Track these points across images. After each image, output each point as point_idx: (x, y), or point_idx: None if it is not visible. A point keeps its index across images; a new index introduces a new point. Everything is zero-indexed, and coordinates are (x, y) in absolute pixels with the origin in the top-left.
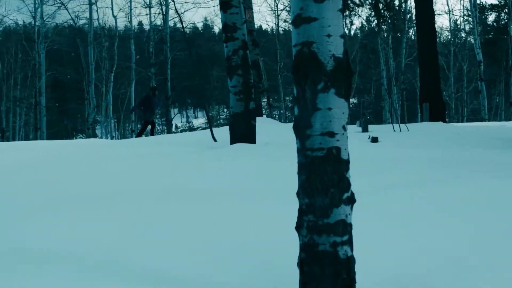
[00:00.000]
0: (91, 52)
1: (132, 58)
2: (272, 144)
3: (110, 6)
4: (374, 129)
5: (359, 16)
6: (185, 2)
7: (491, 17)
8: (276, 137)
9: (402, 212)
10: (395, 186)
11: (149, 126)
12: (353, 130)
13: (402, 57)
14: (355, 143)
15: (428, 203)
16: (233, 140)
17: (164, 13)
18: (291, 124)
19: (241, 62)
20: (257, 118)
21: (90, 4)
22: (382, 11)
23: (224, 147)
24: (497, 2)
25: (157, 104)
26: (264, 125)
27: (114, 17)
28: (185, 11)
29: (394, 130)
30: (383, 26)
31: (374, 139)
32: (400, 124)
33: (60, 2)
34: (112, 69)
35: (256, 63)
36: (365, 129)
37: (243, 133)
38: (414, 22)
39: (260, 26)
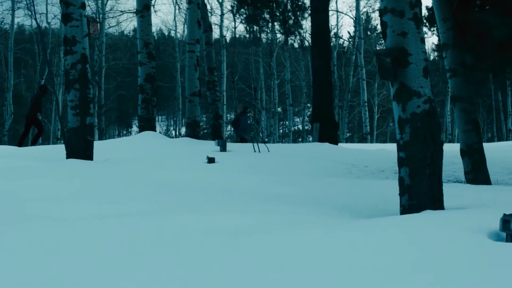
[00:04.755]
0: (11, 58)
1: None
2: (110, 161)
3: (45, 13)
4: (234, 149)
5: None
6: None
7: None
8: (136, 153)
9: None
10: (109, 216)
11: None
12: (212, 149)
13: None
14: (189, 163)
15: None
16: (68, 155)
17: (100, 21)
18: (177, 138)
19: (79, 76)
20: (144, 132)
21: (13, 9)
22: (291, 28)
23: (57, 162)
24: None
25: (245, 121)
26: (143, 140)
27: (48, 23)
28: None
29: (255, 151)
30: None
31: (211, 160)
32: (260, 145)
33: None
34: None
35: (151, 76)
36: (223, 149)
37: (78, 148)
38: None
39: None
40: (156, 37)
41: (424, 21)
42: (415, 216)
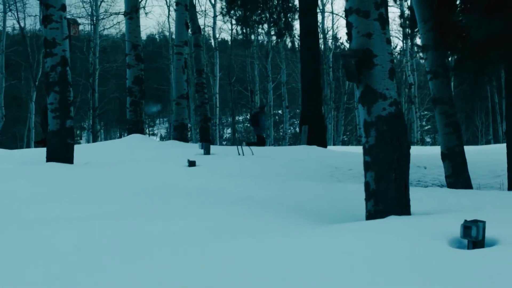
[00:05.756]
0: (2, 60)
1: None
2: (90, 164)
3: (38, 15)
4: (218, 152)
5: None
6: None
7: None
8: (120, 156)
9: None
10: (67, 219)
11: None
12: (197, 152)
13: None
14: (170, 166)
15: None
16: (48, 158)
17: (94, 23)
18: (164, 141)
19: (59, 78)
20: (132, 135)
21: (5, 12)
22: (282, 30)
23: (36, 165)
24: None
25: (264, 120)
26: (129, 143)
27: (41, 25)
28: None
29: (239, 154)
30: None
31: (191, 163)
32: (244, 147)
33: None
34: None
35: (140, 79)
36: (207, 152)
37: (58, 151)
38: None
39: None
40: (158, 39)
41: (407, 22)
42: (378, 222)
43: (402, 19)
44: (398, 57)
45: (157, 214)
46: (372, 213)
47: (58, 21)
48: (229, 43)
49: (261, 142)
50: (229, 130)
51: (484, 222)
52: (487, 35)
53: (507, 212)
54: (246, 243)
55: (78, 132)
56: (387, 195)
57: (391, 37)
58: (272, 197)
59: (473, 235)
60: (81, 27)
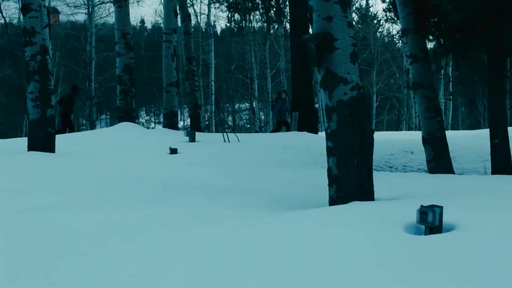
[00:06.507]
0: None
1: None
2: (72, 153)
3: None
4: (204, 139)
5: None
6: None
7: None
8: (105, 144)
9: None
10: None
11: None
12: (181, 139)
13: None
14: (152, 154)
15: None
16: (30, 147)
17: (89, 12)
18: (152, 129)
19: (39, 67)
20: (121, 123)
21: None
22: (274, 16)
23: (15, 154)
24: None
25: (282, 106)
26: (118, 131)
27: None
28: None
29: (225, 141)
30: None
31: (173, 151)
32: (229, 134)
33: None
34: None
35: (129, 67)
36: (192, 139)
37: (39, 141)
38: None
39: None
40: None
41: (390, 6)
42: (339, 208)
43: (385, 3)
44: (400, 43)
45: (108, 205)
46: (335, 199)
47: (37, 9)
48: (230, 31)
49: (286, 125)
50: (231, 118)
51: (441, 208)
52: (465, 18)
53: (473, 196)
54: (190, 233)
55: (83, 121)
56: (349, 181)
57: (392, 22)
58: (245, 185)
59: (429, 221)
60: (79, 16)
